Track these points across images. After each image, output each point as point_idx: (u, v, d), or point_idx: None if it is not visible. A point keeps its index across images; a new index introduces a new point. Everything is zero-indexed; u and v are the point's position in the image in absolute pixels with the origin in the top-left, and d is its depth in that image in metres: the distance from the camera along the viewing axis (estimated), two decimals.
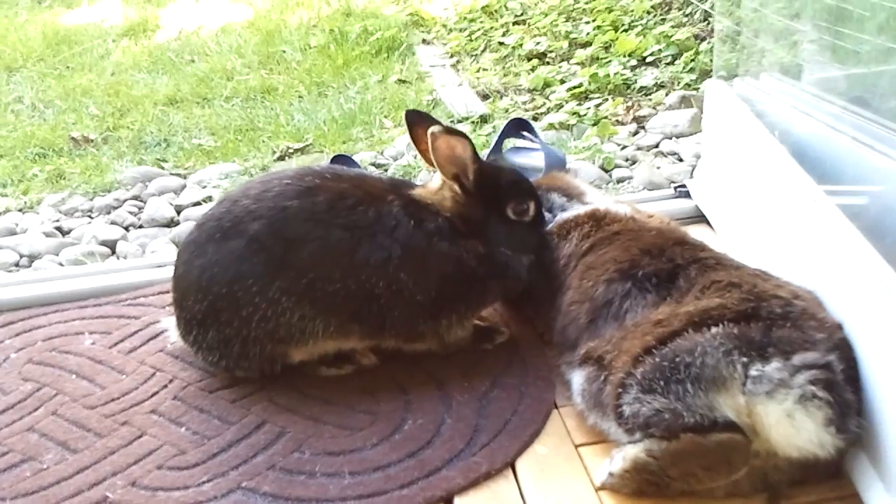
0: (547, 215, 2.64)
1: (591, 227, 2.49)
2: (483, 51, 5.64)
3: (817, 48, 3.04)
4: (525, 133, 3.78)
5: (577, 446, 2.18)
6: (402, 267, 2.34)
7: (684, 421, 1.90)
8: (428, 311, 2.40)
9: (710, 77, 4.64)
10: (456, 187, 2.44)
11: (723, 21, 3.58)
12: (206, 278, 2.36)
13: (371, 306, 2.36)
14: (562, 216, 2.61)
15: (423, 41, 6.02)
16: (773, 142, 2.59)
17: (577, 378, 2.21)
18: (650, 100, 4.67)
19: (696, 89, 4.69)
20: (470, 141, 2.40)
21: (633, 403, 1.97)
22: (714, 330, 1.96)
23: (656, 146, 4.15)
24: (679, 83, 4.81)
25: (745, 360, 1.89)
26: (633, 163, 3.99)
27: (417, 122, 2.53)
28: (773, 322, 1.96)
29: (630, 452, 1.97)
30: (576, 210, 2.60)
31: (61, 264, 3.45)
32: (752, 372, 1.87)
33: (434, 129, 2.35)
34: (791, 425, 1.84)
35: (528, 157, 3.76)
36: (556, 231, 2.56)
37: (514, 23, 5.98)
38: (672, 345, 1.97)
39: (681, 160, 3.98)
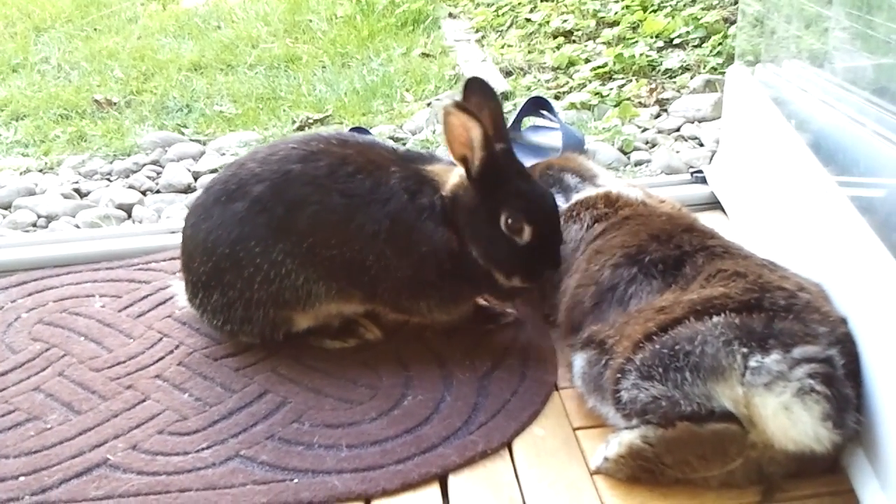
0: (559, 197, 2.63)
1: (603, 210, 2.47)
2: (509, 27, 5.60)
3: (847, 36, 2.99)
4: (544, 112, 3.76)
5: (574, 429, 2.18)
6: (389, 241, 2.31)
7: (681, 409, 1.89)
8: (408, 289, 2.38)
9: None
10: (462, 171, 2.34)
11: (750, 5, 3.52)
12: (211, 240, 2.39)
13: (363, 276, 2.35)
14: (574, 198, 2.60)
15: (450, 15, 5.98)
16: (791, 130, 2.55)
17: (579, 361, 2.21)
18: (674, 83, 4.62)
19: (723, 73, 4.61)
20: (484, 127, 2.23)
21: (632, 389, 1.96)
22: (716, 319, 1.94)
23: (677, 130, 4.11)
24: (705, 66, 4.75)
25: (745, 350, 1.87)
26: (653, 146, 3.95)
27: (477, 91, 2.36)
28: (775, 314, 1.93)
29: (626, 438, 1.97)
30: (588, 192, 2.59)
31: (77, 226, 3.48)
32: (752, 363, 1.85)
33: (448, 104, 2.25)
34: (788, 418, 1.82)
35: (545, 137, 3.75)
36: (568, 212, 2.54)
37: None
38: (673, 332, 1.96)
39: (701, 145, 3.93)
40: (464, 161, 2.29)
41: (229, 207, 2.38)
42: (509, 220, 2.26)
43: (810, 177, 2.35)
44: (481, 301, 2.58)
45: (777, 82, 2.96)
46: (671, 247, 2.24)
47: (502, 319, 2.57)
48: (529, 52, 5.18)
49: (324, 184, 2.34)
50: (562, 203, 2.62)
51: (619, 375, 2.00)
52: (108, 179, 3.94)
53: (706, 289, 2.07)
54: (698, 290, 2.07)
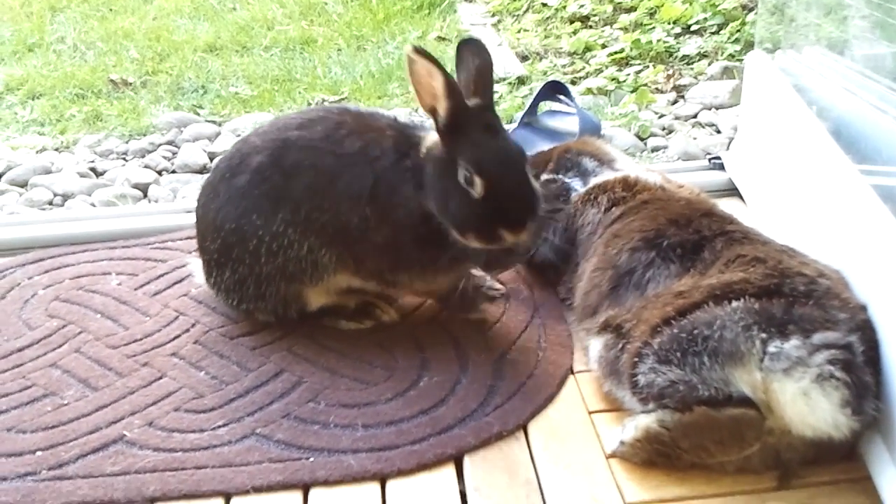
0: (576, 180, 2.62)
1: (621, 194, 2.46)
2: (525, 11, 5.57)
3: (867, 24, 2.96)
4: (561, 97, 3.74)
5: (590, 413, 2.17)
6: (371, 202, 2.27)
7: (699, 394, 1.89)
8: (387, 258, 2.33)
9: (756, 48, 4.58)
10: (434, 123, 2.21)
11: None
12: (219, 218, 2.39)
13: (351, 241, 2.32)
14: (592, 181, 2.59)
15: None
16: (811, 117, 2.54)
17: (596, 345, 2.20)
18: (692, 69, 4.60)
19: (740, 60, 4.60)
20: (446, 74, 2.10)
21: (649, 373, 1.96)
22: (735, 304, 1.93)
23: (694, 116, 4.09)
24: (723, 53, 4.73)
25: (764, 335, 1.86)
26: (670, 132, 3.93)
27: (466, 48, 2.23)
28: (795, 299, 1.93)
29: (642, 422, 1.97)
30: (606, 176, 2.58)
31: (93, 205, 3.48)
32: (771, 348, 1.85)
33: (410, 50, 2.11)
34: (806, 404, 1.81)
35: (562, 121, 3.73)
36: (585, 196, 2.54)
37: None
38: (691, 317, 1.96)
39: (718, 132, 3.92)
40: (433, 113, 2.18)
41: (233, 183, 2.39)
42: (465, 172, 2.12)
43: (831, 164, 2.34)
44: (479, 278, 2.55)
45: (797, 69, 2.94)
46: (690, 231, 2.24)
47: (476, 311, 2.51)
48: (546, 36, 5.15)
49: (318, 147, 2.33)
50: (579, 187, 2.61)
51: (636, 359, 2.00)
52: (124, 159, 3.94)
53: (725, 274, 2.06)
54: (717, 275, 2.06)
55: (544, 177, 2.66)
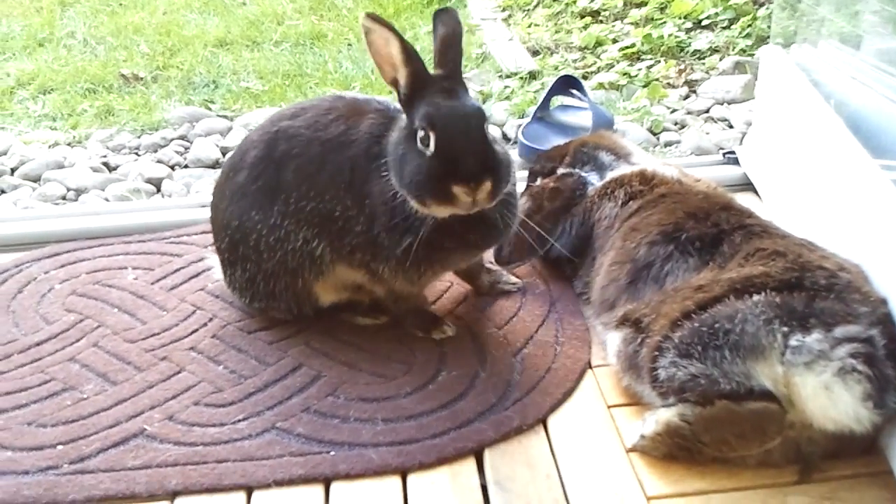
0: (593, 174, 2.62)
1: (638, 188, 2.46)
2: (535, 6, 5.55)
3: (879, 19, 2.96)
4: (573, 91, 3.74)
5: (609, 407, 2.17)
6: (348, 190, 2.23)
7: (720, 387, 1.88)
8: (369, 248, 2.25)
9: (767, 43, 4.56)
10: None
11: None
12: (226, 217, 2.40)
13: (338, 231, 2.27)
14: (608, 175, 2.59)
15: None
16: (829, 111, 2.53)
17: (614, 339, 2.20)
18: (703, 64, 4.58)
19: (752, 55, 4.59)
20: (402, 39, 2.05)
21: (669, 367, 1.96)
22: (756, 298, 1.93)
23: (707, 111, 4.08)
24: (734, 48, 4.71)
25: (785, 329, 1.86)
26: (682, 127, 3.93)
27: (438, 19, 2.18)
28: (816, 293, 1.93)
29: (663, 416, 1.97)
30: (623, 169, 2.58)
31: (107, 199, 3.49)
32: (792, 342, 1.85)
33: (364, 17, 2.04)
34: (828, 398, 1.81)
35: (575, 116, 3.73)
36: (602, 190, 2.54)
37: None
38: (712, 310, 1.96)
39: (731, 127, 3.91)
40: (395, 85, 2.12)
41: (235, 181, 2.39)
42: (420, 132, 2.02)
43: (850, 158, 2.33)
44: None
45: (812, 63, 2.93)
46: (708, 225, 2.23)
47: (438, 335, 2.41)
48: (556, 31, 5.14)
49: (305, 134, 2.30)
50: (596, 181, 2.61)
51: (656, 353, 2.00)
52: (137, 154, 3.94)
53: (745, 267, 2.06)
54: (737, 269, 2.06)
55: (561, 170, 2.66)
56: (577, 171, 2.64)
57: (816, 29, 3.14)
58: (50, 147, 3.98)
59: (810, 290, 1.93)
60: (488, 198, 2.03)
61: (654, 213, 2.35)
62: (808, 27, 3.17)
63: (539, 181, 2.70)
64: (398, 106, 2.29)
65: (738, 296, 1.96)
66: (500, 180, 2.04)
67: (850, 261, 2.11)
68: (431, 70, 2.14)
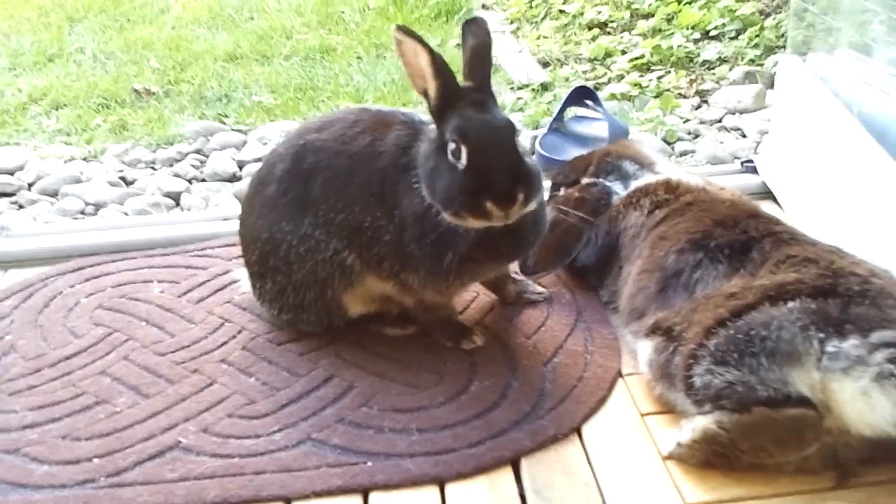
0: (617, 184, 2.63)
1: (663, 196, 2.48)
2: (543, 18, 5.58)
3: (887, 29, 2.99)
4: (588, 102, 3.76)
5: (643, 415, 2.18)
6: (378, 202, 2.25)
7: (757, 394, 1.89)
8: (398, 258, 2.26)
9: (776, 53, 4.61)
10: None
11: None
12: (255, 230, 2.42)
13: (368, 241, 2.28)
14: (633, 185, 2.60)
15: (483, 6, 5.97)
16: (851, 118, 2.55)
17: (645, 348, 2.21)
18: (713, 74, 4.61)
19: (761, 65, 4.63)
20: (432, 52, 2.06)
21: (705, 375, 1.97)
22: (791, 304, 1.95)
23: (719, 121, 4.11)
24: (743, 58, 4.74)
25: (821, 335, 1.88)
26: (696, 136, 3.95)
27: (467, 30, 2.16)
28: (850, 299, 1.94)
29: (700, 423, 1.97)
30: (647, 179, 2.59)
31: (126, 213, 3.50)
32: (829, 348, 1.86)
33: (395, 30, 2.07)
34: (866, 403, 1.82)
35: (590, 127, 3.75)
36: (627, 199, 2.55)
37: None
38: (747, 317, 1.97)
39: (744, 136, 3.93)
40: (426, 95, 2.13)
41: (264, 194, 2.41)
42: (451, 145, 2.05)
43: (875, 164, 2.35)
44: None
45: (829, 72, 2.96)
46: (737, 232, 2.25)
47: (468, 344, 2.42)
48: (566, 43, 5.17)
49: (332, 147, 2.32)
50: (621, 190, 2.63)
51: (690, 361, 2.01)
52: (153, 168, 3.95)
53: (777, 274, 2.07)
54: (769, 276, 2.08)
55: (585, 180, 2.68)
56: (601, 180, 2.65)
57: (831, 38, 3.16)
58: (66, 162, 3.98)
59: (844, 296, 1.95)
60: (520, 211, 2.05)
61: (682, 221, 2.37)
62: (823, 37, 3.20)
63: (563, 191, 2.71)
64: (423, 118, 2.34)
65: (772, 303, 1.97)
66: (531, 193, 2.07)
67: (881, 266, 2.12)
68: (461, 81, 2.16)
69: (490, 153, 2.04)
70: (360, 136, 2.32)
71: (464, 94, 2.12)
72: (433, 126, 2.20)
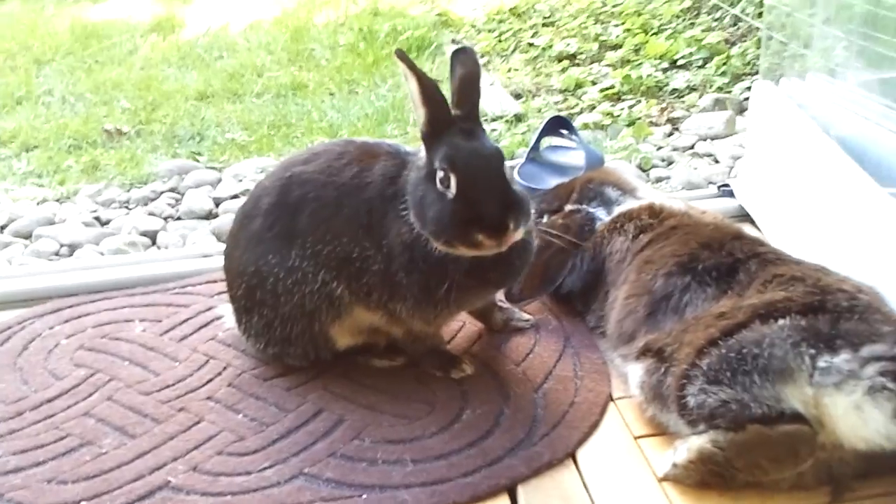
0: (600, 210, 2.65)
1: (647, 221, 2.49)
2: (513, 51, 5.65)
3: (850, 54, 3.06)
4: (564, 131, 3.78)
5: (636, 438, 2.18)
6: (367, 233, 2.24)
7: (751, 412, 1.90)
8: (386, 288, 2.25)
9: (743, 80, 4.70)
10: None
11: (766, 21, 3.58)
12: (242, 264, 2.39)
13: (356, 272, 2.27)
14: (616, 210, 2.62)
15: (453, 41, 6.04)
16: (826, 139, 2.60)
17: (636, 370, 2.21)
18: (683, 102, 4.69)
19: (729, 92, 4.71)
20: (421, 79, 2.06)
21: (699, 395, 1.97)
22: (781, 322, 1.96)
23: (692, 147, 4.17)
24: (711, 86, 4.82)
25: (813, 351, 1.89)
26: (670, 163, 4.00)
27: (455, 59, 2.18)
28: (840, 314, 1.96)
29: (695, 443, 1.97)
30: (630, 204, 2.61)
31: (102, 254, 3.46)
32: (821, 363, 1.88)
33: (395, 54, 2.09)
34: (859, 417, 1.83)
35: (566, 156, 3.76)
36: (611, 224, 2.57)
37: (543, 24, 6.00)
38: (738, 336, 1.98)
39: (717, 161, 3.98)
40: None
41: (249, 228, 2.39)
42: (440, 173, 2.05)
43: (853, 182, 2.39)
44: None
45: (802, 95, 3.01)
46: (723, 254, 2.27)
47: (456, 373, 2.41)
48: (536, 75, 5.24)
49: (319, 179, 2.32)
50: (604, 216, 2.64)
51: (683, 381, 2.01)
52: (127, 207, 3.92)
53: (765, 294, 2.09)
54: (757, 296, 2.09)
55: (568, 207, 2.69)
56: (584, 206, 2.67)
57: (800, 64, 3.22)
58: (38, 203, 3.94)
59: (833, 312, 1.97)
60: (511, 240, 2.06)
61: (667, 244, 2.38)
62: (793, 62, 3.26)
63: (547, 218, 2.72)
64: (408, 149, 2.35)
65: (763, 321, 1.98)
66: (521, 220, 2.07)
67: (865, 283, 2.15)
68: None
69: (479, 182, 2.05)
70: (346, 167, 2.32)
71: (453, 122, 2.12)
72: (421, 155, 2.20)
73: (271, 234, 2.34)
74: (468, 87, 2.16)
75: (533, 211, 2.23)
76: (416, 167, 2.20)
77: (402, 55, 2.09)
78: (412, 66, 2.07)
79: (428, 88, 2.08)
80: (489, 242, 2.02)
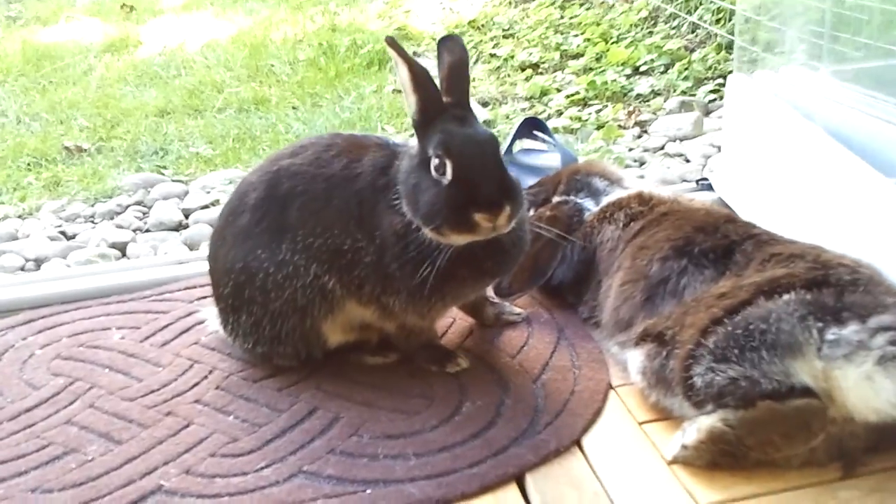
0: (588, 200, 2.63)
1: (638, 209, 2.48)
2: (476, 62, 5.65)
3: (807, 50, 3.11)
4: (538, 133, 3.77)
5: (640, 423, 2.14)
6: (358, 225, 2.20)
7: (761, 388, 1.87)
8: (379, 280, 2.21)
9: (706, 84, 4.75)
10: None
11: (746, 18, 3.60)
12: (228, 261, 2.33)
13: (348, 265, 2.22)
14: (604, 200, 2.60)
15: (415, 54, 6.00)
16: (812, 126, 2.61)
17: (636, 356, 2.18)
18: (649, 105, 4.71)
19: (693, 95, 4.75)
20: (411, 66, 2.03)
21: (706, 374, 1.94)
22: (786, 297, 1.95)
23: (662, 148, 4.19)
24: (675, 90, 4.86)
25: (820, 324, 1.88)
26: (642, 164, 4.01)
27: (442, 46, 2.15)
28: (844, 288, 1.95)
29: (705, 423, 1.94)
30: (619, 193, 2.60)
31: (68, 266, 3.35)
32: (829, 336, 1.86)
33: (385, 40, 2.07)
34: (870, 387, 1.82)
35: (538, 158, 3.74)
36: (601, 214, 2.55)
37: (504, 36, 6.01)
38: (744, 313, 1.96)
39: (688, 161, 4.01)
40: None
41: (236, 224, 2.33)
42: (435, 160, 2.02)
43: (839, 163, 2.40)
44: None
45: (779, 86, 3.03)
46: (718, 237, 2.26)
47: (451, 366, 2.36)
48: (501, 84, 5.24)
49: (308, 171, 2.28)
50: (592, 206, 2.63)
51: (689, 362, 1.98)
52: (93, 222, 3.82)
53: (766, 271, 2.08)
54: (758, 274, 2.08)
55: (556, 199, 2.67)
56: (572, 198, 2.65)
57: (775, 57, 3.25)
58: (0, 220, 3.81)
59: (837, 286, 1.96)
60: (507, 223, 2.02)
61: (660, 230, 2.37)
62: (768, 55, 3.29)
63: (534, 210, 2.70)
64: (396, 141, 2.33)
65: (767, 297, 1.97)
66: (517, 205, 2.05)
67: (862, 259, 2.15)
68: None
69: (475, 166, 2.02)
70: (335, 159, 2.27)
71: (444, 109, 2.09)
72: (412, 144, 2.17)
73: (259, 228, 2.27)
74: (457, 73, 2.14)
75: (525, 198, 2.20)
76: (408, 156, 2.16)
77: (391, 42, 2.06)
78: (402, 53, 2.04)
79: (419, 75, 2.05)
80: (486, 223, 1.99)
